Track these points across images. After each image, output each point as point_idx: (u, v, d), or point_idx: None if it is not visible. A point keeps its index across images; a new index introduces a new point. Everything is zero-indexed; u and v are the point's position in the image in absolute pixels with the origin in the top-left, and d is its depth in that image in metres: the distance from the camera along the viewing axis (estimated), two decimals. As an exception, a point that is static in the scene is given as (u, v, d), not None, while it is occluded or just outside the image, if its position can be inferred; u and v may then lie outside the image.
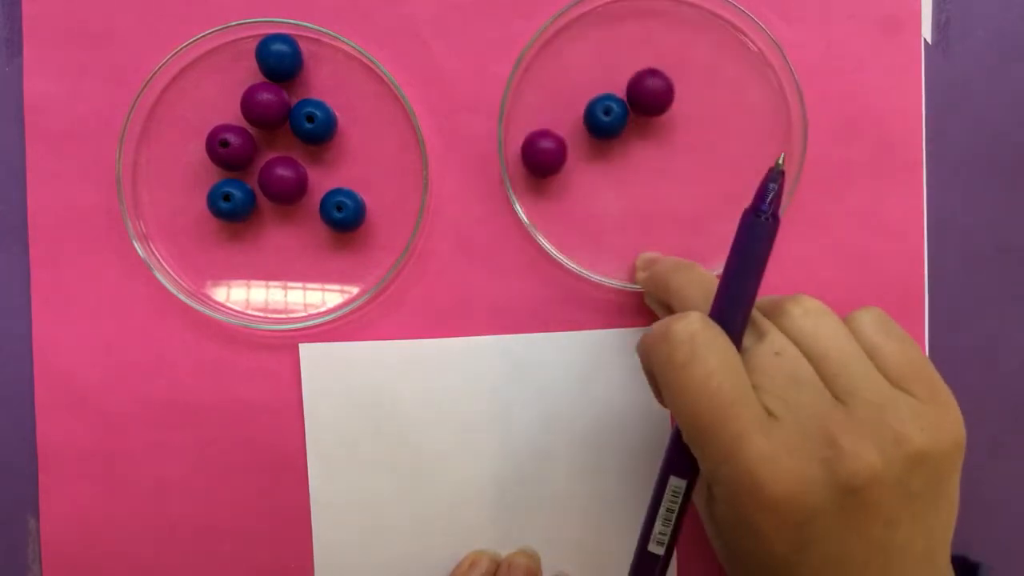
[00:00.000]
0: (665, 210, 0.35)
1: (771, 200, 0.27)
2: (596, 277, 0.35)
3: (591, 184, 0.36)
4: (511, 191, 0.35)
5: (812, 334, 0.27)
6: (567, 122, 0.35)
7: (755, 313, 0.28)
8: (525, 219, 0.35)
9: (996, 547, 0.37)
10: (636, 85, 0.34)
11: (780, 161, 0.27)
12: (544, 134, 0.34)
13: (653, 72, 0.34)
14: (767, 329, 0.27)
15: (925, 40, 0.36)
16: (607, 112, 0.34)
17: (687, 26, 0.35)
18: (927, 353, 0.36)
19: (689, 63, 0.35)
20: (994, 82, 0.36)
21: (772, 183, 0.27)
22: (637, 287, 0.35)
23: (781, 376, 0.26)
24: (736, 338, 0.27)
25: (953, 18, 0.36)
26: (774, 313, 0.28)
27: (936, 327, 0.36)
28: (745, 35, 0.35)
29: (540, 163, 0.34)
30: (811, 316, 0.27)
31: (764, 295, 0.28)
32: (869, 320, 0.27)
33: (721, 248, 0.35)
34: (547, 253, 0.35)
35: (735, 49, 0.35)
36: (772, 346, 0.26)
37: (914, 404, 0.26)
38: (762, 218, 0.27)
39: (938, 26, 0.36)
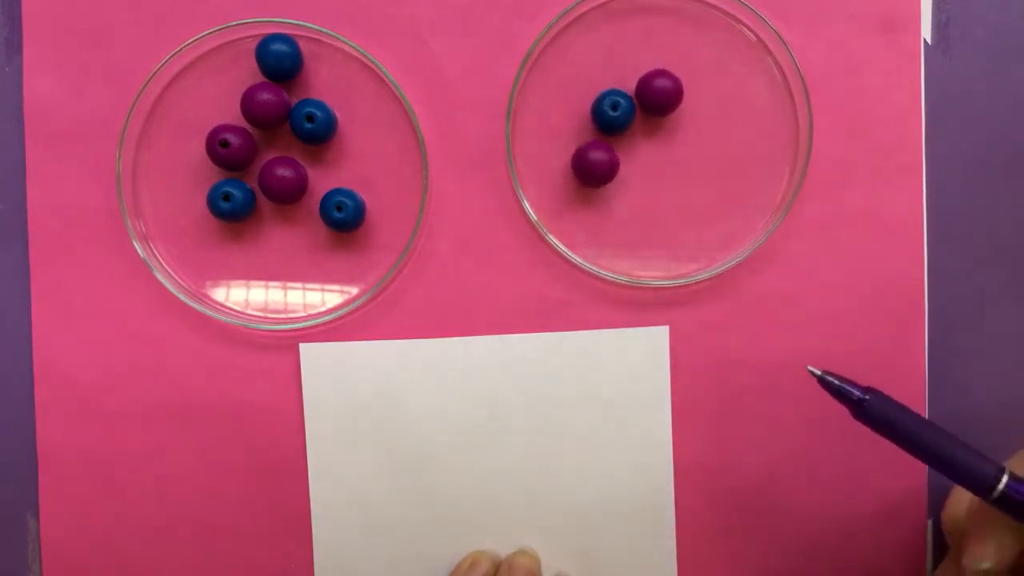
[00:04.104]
0: (672, 207, 0.35)
1: (851, 386, 0.29)
2: (603, 273, 0.35)
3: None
4: (519, 188, 0.35)
5: None
6: (572, 120, 0.35)
7: None
8: (533, 215, 0.35)
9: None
10: (645, 85, 0.34)
11: (816, 372, 0.29)
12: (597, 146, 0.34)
13: (662, 72, 0.34)
14: None
15: (925, 40, 0.36)
16: (615, 107, 0.34)
17: (692, 22, 0.35)
18: (927, 353, 0.36)
19: (694, 60, 0.35)
20: (994, 82, 0.36)
21: (837, 383, 0.29)
22: (640, 283, 0.35)
23: None
24: (978, 479, 0.28)
25: (953, 18, 0.36)
26: None
27: (936, 327, 0.36)
28: (751, 32, 0.35)
29: (593, 174, 0.34)
30: None
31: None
32: None
33: (725, 246, 0.35)
34: (549, 253, 0.35)
35: (740, 46, 0.35)
36: None
37: None
38: (868, 398, 0.28)
39: (938, 26, 0.36)
